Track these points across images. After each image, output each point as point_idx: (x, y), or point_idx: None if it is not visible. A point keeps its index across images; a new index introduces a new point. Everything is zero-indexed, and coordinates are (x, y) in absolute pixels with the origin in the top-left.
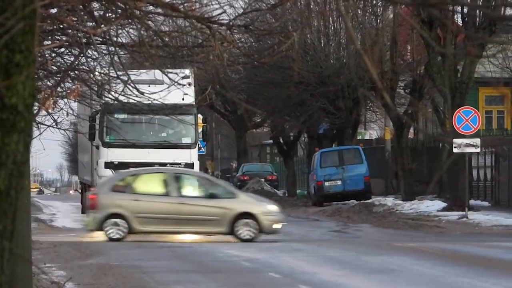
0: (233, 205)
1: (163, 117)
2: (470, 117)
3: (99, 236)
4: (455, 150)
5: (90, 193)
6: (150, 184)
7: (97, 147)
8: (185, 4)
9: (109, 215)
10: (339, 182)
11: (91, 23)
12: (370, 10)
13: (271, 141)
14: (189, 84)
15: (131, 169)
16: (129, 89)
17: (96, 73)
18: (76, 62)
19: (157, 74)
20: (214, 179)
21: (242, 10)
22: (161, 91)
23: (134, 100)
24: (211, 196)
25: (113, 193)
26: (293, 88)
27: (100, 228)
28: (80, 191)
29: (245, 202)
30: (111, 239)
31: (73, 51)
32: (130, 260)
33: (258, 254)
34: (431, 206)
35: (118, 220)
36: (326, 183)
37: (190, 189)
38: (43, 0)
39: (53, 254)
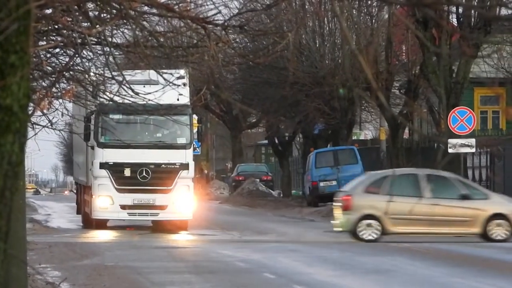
0: (485, 206)
1: (158, 118)
2: (465, 117)
3: (97, 236)
4: (450, 150)
5: (343, 195)
6: (403, 185)
7: (92, 148)
8: (180, 5)
9: (362, 216)
10: (334, 183)
11: (86, 24)
12: (365, 10)
13: (266, 141)
14: (184, 84)
15: (383, 170)
16: (124, 89)
17: (91, 73)
18: (71, 63)
19: (152, 74)
20: (466, 180)
21: (237, 11)
22: (156, 91)
23: (129, 100)
24: (464, 197)
25: (366, 195)
26: (288, 88)
27: (353, 229)
28: (75, 191)
29: (497, 203)
30: (365, 240)
31: (68, 51)
32: (125, 260)
33: (253, 254)
34: None
35: (371, 222)
36: (321, 184)
37: (443, 190)
38: (38, 1)
39: (48, 254)
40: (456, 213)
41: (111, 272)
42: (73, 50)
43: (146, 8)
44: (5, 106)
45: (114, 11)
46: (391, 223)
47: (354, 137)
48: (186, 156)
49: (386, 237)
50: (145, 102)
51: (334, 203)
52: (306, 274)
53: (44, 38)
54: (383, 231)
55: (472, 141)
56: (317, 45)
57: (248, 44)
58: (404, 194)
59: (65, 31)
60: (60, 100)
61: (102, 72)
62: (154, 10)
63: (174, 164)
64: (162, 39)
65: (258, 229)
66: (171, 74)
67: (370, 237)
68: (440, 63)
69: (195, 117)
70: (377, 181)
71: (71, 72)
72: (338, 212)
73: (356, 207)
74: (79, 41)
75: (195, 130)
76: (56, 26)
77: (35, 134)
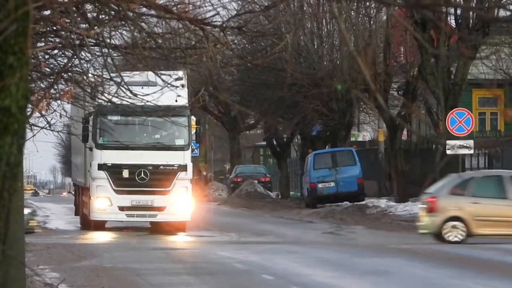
0: None
1: (156, 119)
2: (463, 119)
3: (95, 238)
4: (448, 152)
5: (428, 197)
6: (488, 186)
7: (91, 149)
8: (178, 6)
9: (448, 218)
10: (332, 184)
11: (84, 25)
12: (363, 11)
13: (264, 142)
14: (182, 85)
15: (469, 172)
16: (122, 90)
17: (90, 74)
18: (70, 64)
19: (151, 75)
20: None
21: (235, 12)
22: (154, 92)
23: (128, 102)
24: None
25: (451, 196)
26: (286, 89)
27: (438, 231)
28: (73, 193)
29: None
30: (450, 242)
31: (67, 53)
32: (123, 262)
33: (251, 256)
34: None
35: (456, 223)
36: (320, 185)
37: None
38: (36, 2)
39: (47, 256)
40: None
41: (109, 274)
42: (72, 52)
43: (144, 9)
44: (3, 107)
45: (113, 12)
46: (476, 225)
47: (352, 139)
48: (184, 157)
49: (471, 239)
50: (143, 104)
51: (419, 205)
52: (304, 275)
53: (43, 39)
54: (468, 233)
55: (471, 142)
56: (315, 47)
57: (247, 45)
58: (489, 196)
59: (63, 33)
60: (59, 102)
61: (101, 74)
62: (153, 12)
63: (172, 165)
64: (160, 41)
65: (256, 230)
66: (169, 75)
67: (455, 239)
68: (438, 65)
69: (193, 118)
70: (462, 183)
71: (69, 74)
72: (423, 214)
73: (442, 209)
74: (77, 42)
75: (193, 131)
76: (55, 28)
77: (33, 136)
